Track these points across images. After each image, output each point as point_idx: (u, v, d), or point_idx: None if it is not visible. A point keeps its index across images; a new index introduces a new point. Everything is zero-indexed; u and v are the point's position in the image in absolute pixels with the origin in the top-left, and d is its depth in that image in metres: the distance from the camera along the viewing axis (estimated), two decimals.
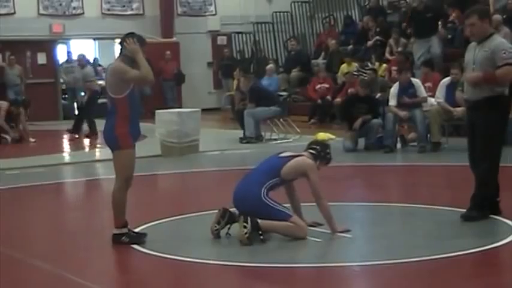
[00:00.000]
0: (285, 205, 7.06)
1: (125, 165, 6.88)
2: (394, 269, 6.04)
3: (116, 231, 6.88)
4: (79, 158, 13.73)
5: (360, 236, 7.11)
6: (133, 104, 6.91)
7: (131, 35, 7.04)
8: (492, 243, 6.56)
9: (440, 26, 16.66)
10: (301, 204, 7.22)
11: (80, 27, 22.04)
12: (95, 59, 24.27)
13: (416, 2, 16.84)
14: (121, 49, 7.02)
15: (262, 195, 6.84)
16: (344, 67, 18.17)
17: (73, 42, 24.56)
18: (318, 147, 7.24)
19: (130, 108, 6.87)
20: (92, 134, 17.05)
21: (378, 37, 18.32)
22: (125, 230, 6.88)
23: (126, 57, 6.93)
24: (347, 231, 7.04)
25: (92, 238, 7.72)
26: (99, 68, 22.93)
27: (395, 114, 12.76)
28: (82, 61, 18.08)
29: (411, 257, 6.20)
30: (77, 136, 17.26)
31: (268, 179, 6.92)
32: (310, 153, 7.18)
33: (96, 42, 25.99)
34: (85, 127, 17.40)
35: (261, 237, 6.73)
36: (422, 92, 12.83)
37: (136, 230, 7.36)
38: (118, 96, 6.84)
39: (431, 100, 13.10)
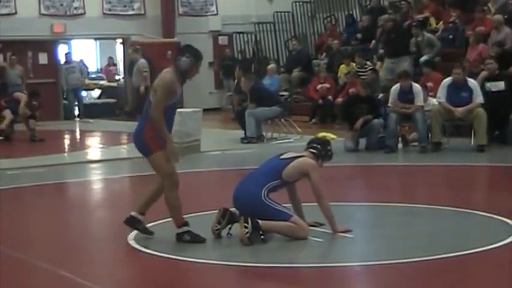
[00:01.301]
0: (285, 205, 7.06)
1: (161, 164, 6.87)
2: (394, 269, 6.05)
3: (179, 231, 6.89)
4: (81, 158, 13.72)
5: (361, 236, 7.11)
6: (167, 117, 6.84)
7: (188, 48, 7.01)
8: (493, 243, 6.56)
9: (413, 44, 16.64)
10: (302, 204, 7.22)
11: (81, 27, 22.04)
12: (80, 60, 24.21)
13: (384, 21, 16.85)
14: (177, 59, 6.94)
15: (262, 196, 6.84)
16: (343, 68, 18.18)
17: (74, 43, 24.60)
18: (318, 146, 7.24)
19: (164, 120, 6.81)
20: None
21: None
22: (186, 228, 6.88)
23: (179, 71, 6.89)
24: (348, 231, 7.05)
25: (94, 239, 7.74)
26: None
27: (399, 111, 12.73)
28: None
29: (412, 257, 6.20)
30: None
31: (269, 181, 6.92)
32: (311, 152, 7.18)
33: (98, 42, 26.03)
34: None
35: (262, 237, 6.74)
36: (420, 100, 12.77)
37: None
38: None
39: (433, 100, 13.10)
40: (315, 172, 6.99)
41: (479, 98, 12.46)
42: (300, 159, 7.08)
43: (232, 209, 7.05)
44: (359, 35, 19.78)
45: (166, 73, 6.95)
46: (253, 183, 6.93)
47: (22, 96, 16.72)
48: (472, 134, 12.71)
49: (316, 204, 7.02)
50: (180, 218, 6.92)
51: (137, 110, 17.64)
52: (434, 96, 13.18)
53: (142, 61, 17.04)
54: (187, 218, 7.04)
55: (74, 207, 9.58)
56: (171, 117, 6.97)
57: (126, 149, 15.07)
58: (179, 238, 6.89)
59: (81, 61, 24.26)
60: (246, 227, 6.71)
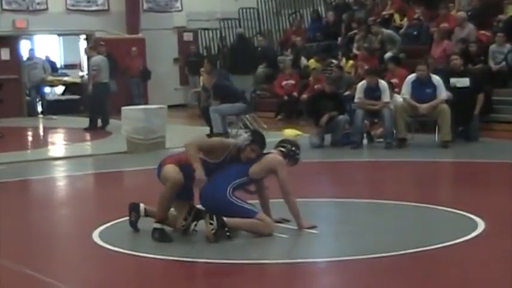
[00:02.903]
0: (252, 202, 7.04)
1: (170, 172, 6.87)
2: (360, 265, 6.06)
3: (155, 226, 6.89)
4: (44, 155, 13.59)
5: (326, 232, 7.11)
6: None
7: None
8: (457, 238, 6.60)
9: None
10: (270, 200, 7.20)
11: (44, 23, 21.82)
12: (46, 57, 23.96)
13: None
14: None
15: (227, 194, 6.82)
16: (312, 62, 18.20)
17: (37, 38, 24.34)
18: (288, 146, 7.23)
19: (187, 170, 6.84)
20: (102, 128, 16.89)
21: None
22: (160, 226, 6.88)
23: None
24: (313, 227, 7.04)
25: (58, 236, 7.66)
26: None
27: (365, 107, 12.76)
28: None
29: (377, 252, 6.21)
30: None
31: (234, 179, 6.89)
32: (280, 151, 7.17)
33: (61, 38, 25.79)
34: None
35: (228, 234, 6.71)
36: (386, 96, 12.83)
37: (104, 226, 7.34)
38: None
39: (398, 97, 13.15)
40: (282, 169, 6.98)
41: (443, 94, 12.53)
42: (268, 156, 7.07)
43: (199, 206, 7.01)
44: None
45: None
46: (219, 181, 6.89)
47: None
48: (437, 130, 12.79)
49: (282, 200, 7.01)
50: (163, 216, 6.91)
51: (91, 108, 17.51)
52: (399, 93, 13.24)
53: (94, 58, 16.89)
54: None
55: (37, 205, 9.47)
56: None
57: (90, 146, 14.96)
58: (152, 233, 6.88)
59: (47, 57, 24.01)
60: (211, 224, 6.69)
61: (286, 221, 7.16)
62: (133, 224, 7.18)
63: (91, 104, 17.52)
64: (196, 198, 7.06)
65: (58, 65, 26.11)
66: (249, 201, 7.00)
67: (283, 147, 7.21)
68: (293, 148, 7.23)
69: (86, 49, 20.91)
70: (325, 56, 17.75)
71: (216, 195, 6.83)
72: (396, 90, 13.58)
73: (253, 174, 6.98)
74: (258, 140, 7.05)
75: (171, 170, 6.86)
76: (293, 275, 6.00)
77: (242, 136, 7.17)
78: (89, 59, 18.74)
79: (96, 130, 16.80)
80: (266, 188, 7.19)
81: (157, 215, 6.93)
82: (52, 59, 25.02)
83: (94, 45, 18.89)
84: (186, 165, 6.87)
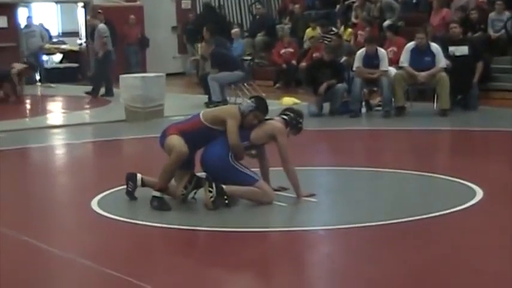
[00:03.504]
0: (254, 169, 7.05)
1: (174, 143, 6.84)
2: (358, 233, 6.08)
3: (155, 194, 6.87)
4: (43, 123, 13.57)
5: (325, 200, 7.13)
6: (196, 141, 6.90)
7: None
8: (456, 206, 6.62)
9: None
10: (270, 168, 7.21)
11: None
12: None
13: None
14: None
15: (229, 158, 6.83)
16: (309, 31, 18.13)
17: (35, 6, 24.20)
18: (291, 114, 7.22)
19: (192, 140, 6.85)
20: (108, 95, 16.93)
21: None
22: (159, 195, 6.87)
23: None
24: (312, 195, 7.06)
25: (56, 204, 7.68)
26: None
27: (364, 76, 12.74)
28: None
29: (376, 221, 6.24)
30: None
31: None
32: (283, 118, 7.17)
33: (59, 5, 25.63)
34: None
35: (226, 202, 6.73)
36: (385, 64, 12.81)
37: (102, 195, 7.36)
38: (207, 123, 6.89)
39: (392, 69, 13.09)
40: (283, 136, 6.98)
41: (442, 62, 12.50)
42: (270, 122, 7.08)
43: (200, 174, 7.02)
44: None
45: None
46: (220, 145, 6.89)
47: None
48: (435, 98, 12.77)
49: (281, 169, 7.02)
50: (163, 185, 6.89)
51: (97, 75, 17.51)
52: (396, 62, 13.23)
53: (101, 26, 16.83)
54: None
55: (35, 173, 9.48)
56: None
57: (88, 114, 14.95)
58: (151, 201, 6.87)
59: (41, 25, 23.85)
60: (210, 192, 6.71)
61: (284, 189, 7.17)
62: (131, 194, 7.19)
63: (97, 72, 17.51)
64: (197, 165, 7.07)
65: (55, 33, 25.94)
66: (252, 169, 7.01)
67: (286, 115, 7.21)
68: (296, 117, 7.22)
69: (88, 18, 20.80)
70: (326, 23, 17.66)
71: (218, 158, 6.84)
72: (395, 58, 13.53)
73: (255, 139, 6.98)
74: (261, 106, 7.05)
75: (177, 141, 6.83)
76: (292, 243, 6.02)
77: (245, 102, 7.16)
78: (90, 27, 18.69)
79: (97, 98, 16.80)
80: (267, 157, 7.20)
81: (157, 184, 6.92)
82: (47, 26, 24.85)
83: (96, 14, 18.82)
84: (189, 135, 6.86)
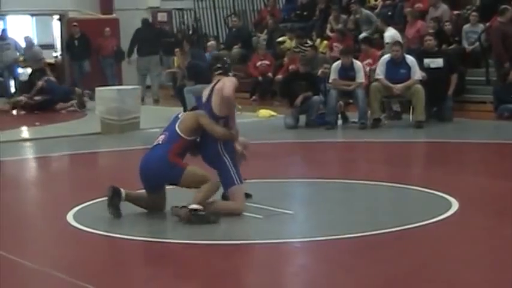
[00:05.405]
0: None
1: (197, 174, 6.86)
2: (334, 245, 6.08)
3: (194, 207, 6.72)
4: (16, 136, 13.48)
5: (301, 212, 7.14)
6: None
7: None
8: (431, 218, 6.64)
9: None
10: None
11: (17, 3, 21.52)
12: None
13: None
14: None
15: (220, 150, 6.97)
16: (288, 43, 18.14)
17: (10, 18, 24.06)
18: (219, 64, 7.43)
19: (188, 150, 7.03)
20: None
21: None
22: (200, 209, 6.73)
23: None
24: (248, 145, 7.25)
25: (32, 217, 7.62)
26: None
27: (339, 87, 12.78)
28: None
29: (351, 232, 6.24)
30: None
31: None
32: (220, 74, 7.34)
33: (34, 18, 25.51)
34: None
35: (202, 213, 6.70)
36: (361, 76, 12.86)
37: (78, 208, 7.31)
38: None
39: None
40: (230, 82, 7.19)
41: (417, 74, 12.58)
42: (216, 87, 7.22)
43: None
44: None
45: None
46: (211, 140, 7.01)
47: None
48: (411, 110, 12.83)
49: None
50: (202, 201, 6.78)
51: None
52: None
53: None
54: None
55: (10, 186, 9.39)
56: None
57: (64, 127, 14.86)
58: (193, 215, 6.69)
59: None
60: (184, 206, 6.70)
61: (248, 195, 7.19)
62: (116, 209, 6.95)
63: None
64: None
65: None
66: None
67: (218, 68, 7.42)
68: (222, 62, 7.47)
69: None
70: (301, 34, 17.69)
71: (210, 148, 7.00)
72: (373, 68, 13.57)
73: (216, 108, 7.12)
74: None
75: (203, 172, 6.89)
76: (267, 255, 6.01)
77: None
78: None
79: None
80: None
81: (197, 199, 6.76)
82: (19, 40, 24.70)
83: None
84: (185, 151, 7.02)
